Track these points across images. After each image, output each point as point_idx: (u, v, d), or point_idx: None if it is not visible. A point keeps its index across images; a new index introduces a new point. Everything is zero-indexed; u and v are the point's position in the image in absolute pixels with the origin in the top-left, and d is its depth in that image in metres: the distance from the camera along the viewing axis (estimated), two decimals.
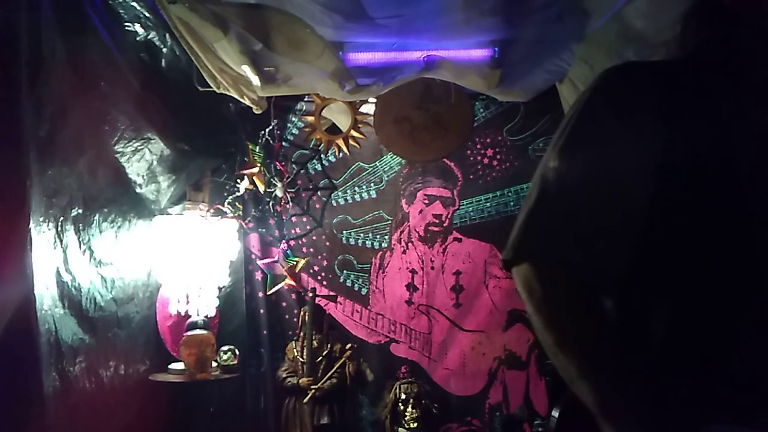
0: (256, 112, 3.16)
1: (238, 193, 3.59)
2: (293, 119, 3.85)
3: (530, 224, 1.01)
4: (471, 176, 3.75)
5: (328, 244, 3.84)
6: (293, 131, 3.87)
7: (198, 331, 3.25)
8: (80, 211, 2.48)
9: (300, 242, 3.84)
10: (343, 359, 3.42)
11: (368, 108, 3.50)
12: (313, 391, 3.33)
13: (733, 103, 0.96)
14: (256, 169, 3.55)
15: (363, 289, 3.81)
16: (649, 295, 0.98)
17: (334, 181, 3.85)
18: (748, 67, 0.98)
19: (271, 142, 3.69)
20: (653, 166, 0.94)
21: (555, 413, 1.12)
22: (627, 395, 0.94)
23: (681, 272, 0.95)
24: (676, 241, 0.95)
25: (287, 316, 3.79)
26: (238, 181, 3.59)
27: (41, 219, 2.22)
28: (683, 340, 0.95)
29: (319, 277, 3.83)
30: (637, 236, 0.96)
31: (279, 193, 3.70)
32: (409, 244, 3.79)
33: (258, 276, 3.75)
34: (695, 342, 0.95)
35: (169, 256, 3.19)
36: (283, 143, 3.82)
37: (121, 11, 2.63)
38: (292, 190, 3.78)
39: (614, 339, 0.96)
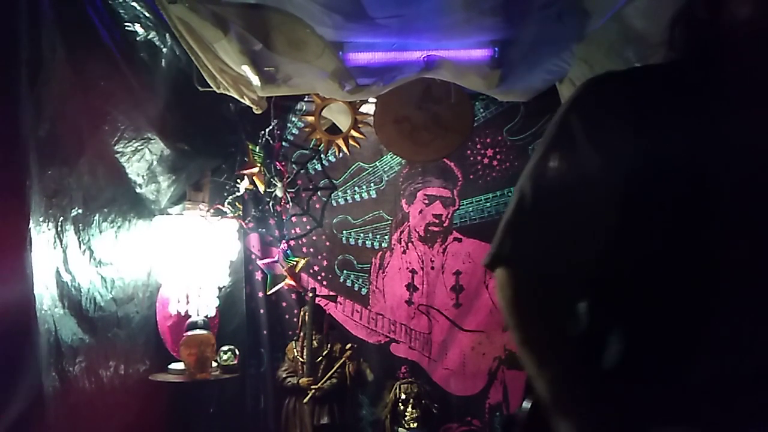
0: (256, 112, 3.16)
1: (238, 193, 3.59)
2: (293, 119, 3.86)
3: (506, 233, 1.08)
4: (471, 176, 3.75)
5: (328, 244, 3.84)
6: (293, 131, 3.87)
7: (198, 331, 3.25)
8: (80, 211, 2.48)
9: (300, 242, 3.84)
10: (343, 359, 3.41)
11: (368, 108, 3.50)
12: (313, 391, 3.33)
13: (710, 109, 0.98)
14: (256, 169, 3.55)
15: (363, 289, 3.81)
16: (609, 302, 1.04)
17: (334, 181, 3.85)
18: (727, 73, 1.00)
19: (271, 142, 3.69)
20: (621, 182, 0.98)
21: (527, 404, 1.15)
22: (577, 394, 1.00)
23: (642, 281, 1.00)
24: (638, 252, 0.99)
25: (287, 316, 3.79)
26: (238, 181, 3.59)
27: (41, 219, 2.22)
28: (640, 345, 1.00)
29: (319, 277, 3.83)
30: (601, 248, 1.01)
31: (279, 193, 3.70)
32: (409, 244, 3.79)
33: (258, 276, 3.75)
34: (651, 348, 0.99)
35: (169, 256, 3.19)
36: (283, 143, 3.83)
37: (121, 11, 2.63)
38: (292, 190, 3.78)
39: (572, 341, 1.04)
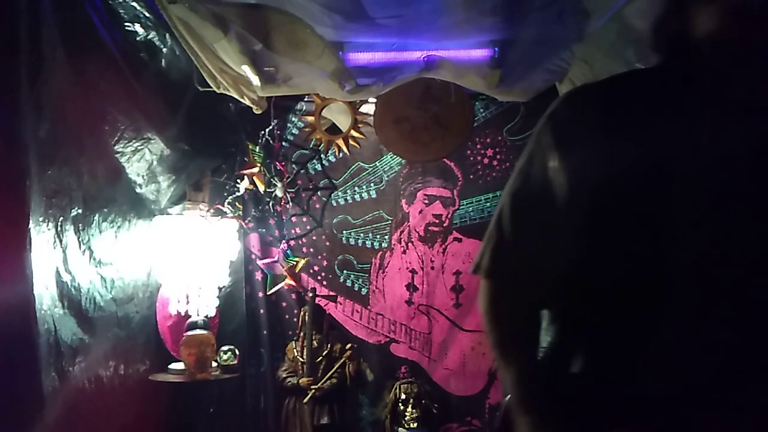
0: (256, 112, 3.16)
1: (238, 193, 3.59)
2: (293, 119, 3.85)
3: (486, 245, 1.17)
4: (471, 176, 3.75)
5: (328, 244, 3.84)
6: (293, 131, 3.87)
7: (198, 331, 3.25)
8: (80, 211, 2.48)
9: (300, 242, 3.84)
10: (343, 359, 3.41)
11: (368, 108, 3.50)
12: (313, 391, 3.33)
13: (679, 119, 1.01)
14: (256, 169, 3.55)
15: (363, 289, 3.81)
16: (576, 310, 1.10)
17: (334, 181, 3.85)
18: (697, 82, 1.02)
19: (271, 142, 3.69)
20: (590, 195, 1.03)
21: (507, 398, 1.19)
22: (536, 394, 1.10)
23: (607, 291, 1.05)
24: (604, 261, 1.05)
25: (287, 316, 3.79)
26: (238, 181, 3.59)
27: (41, 219, 2.22)
28: (600, 351, 1.06)
29: (319, 277, 3.83)
30: (571, 260, 1.07)
31: (279, 193, 3.70)
32: (409, 244, 3.79)
33: (258, 276, 3.75)
34: (611, 353, 1.05)
35: (169, 256, 3.19)
36: (283, 143, 3.82)
37: (121, 11, 2.63)
38: (292, 190, 3.78)
39: (537, 345, 1.13)
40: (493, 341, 1.15)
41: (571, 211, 1.05)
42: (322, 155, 3.82)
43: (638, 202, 1.00)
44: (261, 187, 3.60)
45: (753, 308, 0.98)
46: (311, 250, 3.85)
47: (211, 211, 3.45)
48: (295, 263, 3.71)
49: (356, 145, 3.60)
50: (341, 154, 3.69)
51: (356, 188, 3.85)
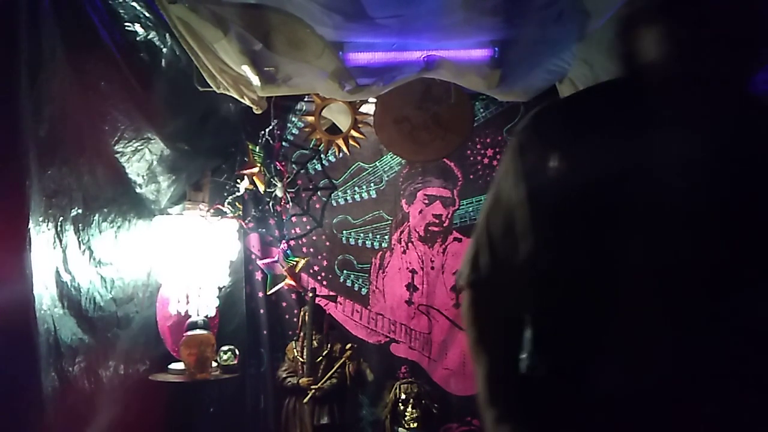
0: (256, 112, 3.16)
1: (238, 193, 3.59)
2: (293, 119, 3.85)
3: (466, 260, 1.27)
4: (471, 176, 3.75)
5: (328, 244, 3.84)
6: (293, 131, 3.87)
7: (198, 331, 3.25)
8: (80, 211, 2.48)
9: (300, 242, 3.84)
10: (343, 359, 3.41)
11: (368, 108, 3.50)
12: (313, 391, 3.33)
13: (630, 132, 1.07)
14: (256, 169, 3.55)
15: (363, 289, 3.81)
16: (538, 312, 1.20)
17: (334, 181, 3.85)
18: (645, 98, 1.10)
19: (271, 142, 3.69)
20: (554, 209, 1.12)
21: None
22: (502, 391, 1.21)
23: (561, 296, 1.14)
24: (570, 269, 1.12)
25: (287, 316, 3.79)
26: (238, 181, 3.59)
27: (41, 219, 2.22)
28: (557, 352, 1.16)
29: (319, 277, 3.83)
30: (540, 271, 1.17)
31: (279, 193, 3.70)
32: (409, 244, 3.79)
33: (258, 276, 3.75)
34: (565, 353, 1.14)
35: (169, 256, 3.19)
36: (283, 143, 3.82)
37: (121, 11, 2.63)
38: (292, 190, 3.77)
39: (508, 346, 1.22)
40: (470, 342, 1.27)
41: (538, 223, 1.13)
42: (322, 155, 3.81)
43: (595, 213, 1.07)
44: (261, 187, 3.60)
45: (704, 315, 1.03)
46: (311, 250, 3.85)
47: (211, 211, 3.45)
48: (295, 263, 3.71)
49: (356, 145, 3.60)
50: (341, 154, 3.69)
51: (356, 188, 3.85)
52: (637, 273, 1.04)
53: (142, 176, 2.97)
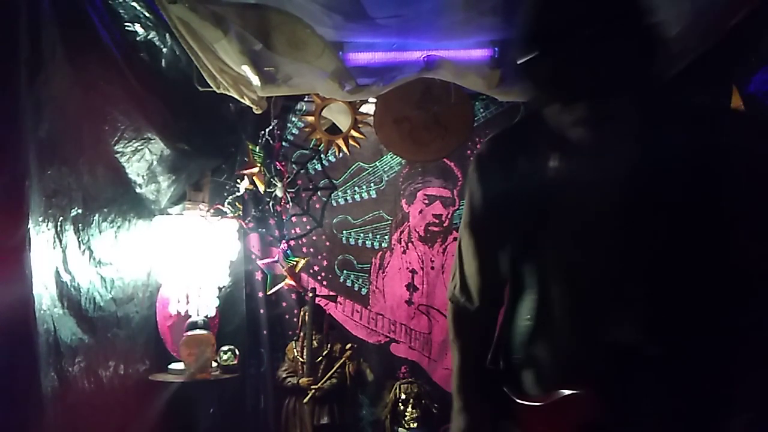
0: (256, 112, 3.16)
1: (238, 193, 3.59)
2: (293, 119, 3.85)
3: (452, 275, 1.46)
4: None
5: (328, 244, 3.84)
6: (293, 131, 3.87)
7: (198, 331, 3.25)
8: (80, 211, 2.48)
9: (300, 242, 3.84)
10: (343, 359, 3.41)
11: (368, 108, 3.50)
12: (313, 391, 3.33)
13: (546, 156, 1.24)
14: (256, 169, 3.54)
15: (363, 289, 3.81)
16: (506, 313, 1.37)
17: (334, 181, 3.85)
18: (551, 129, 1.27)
19: (271, 142, 3.69)
20: (503, 221, 1.32)
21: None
22: (470, 383, 1.39)
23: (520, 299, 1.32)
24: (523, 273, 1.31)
25: (287, 316, 3.79)
26: (238, 181, 3.59)
27: (41, 219, 2.22)
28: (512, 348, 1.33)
29: (319, 277, 3.83)
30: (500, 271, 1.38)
31: (279, 193, 3.70)
32: (409, 244, 3.79)
33: (258, 276, 3.75)
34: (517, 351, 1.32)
35: (169, 256, 3.19)
36: (283, 143, 3.82)
37: (121, 11, 2.63)
38: (292, 190, 3.77)
39: (482, 344, 1.40)
40: (450, 340, 1.46)
41: (499, 233, 1.34)
42: (322, 155, 3.81)
43: (537, 216, 1.23)
44: (261, 187, 3.60)
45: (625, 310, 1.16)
46: (311, 250, 3.85)
47: (211, 211, 3.45)
48: (295, 263, 3.71)
49: (356, 145, 3.60)
50: (341, 154, 3.69)
51: (356, 188, 3.85)
52: (571, 268, 1.21)
53: (142, 176, 2.96)
